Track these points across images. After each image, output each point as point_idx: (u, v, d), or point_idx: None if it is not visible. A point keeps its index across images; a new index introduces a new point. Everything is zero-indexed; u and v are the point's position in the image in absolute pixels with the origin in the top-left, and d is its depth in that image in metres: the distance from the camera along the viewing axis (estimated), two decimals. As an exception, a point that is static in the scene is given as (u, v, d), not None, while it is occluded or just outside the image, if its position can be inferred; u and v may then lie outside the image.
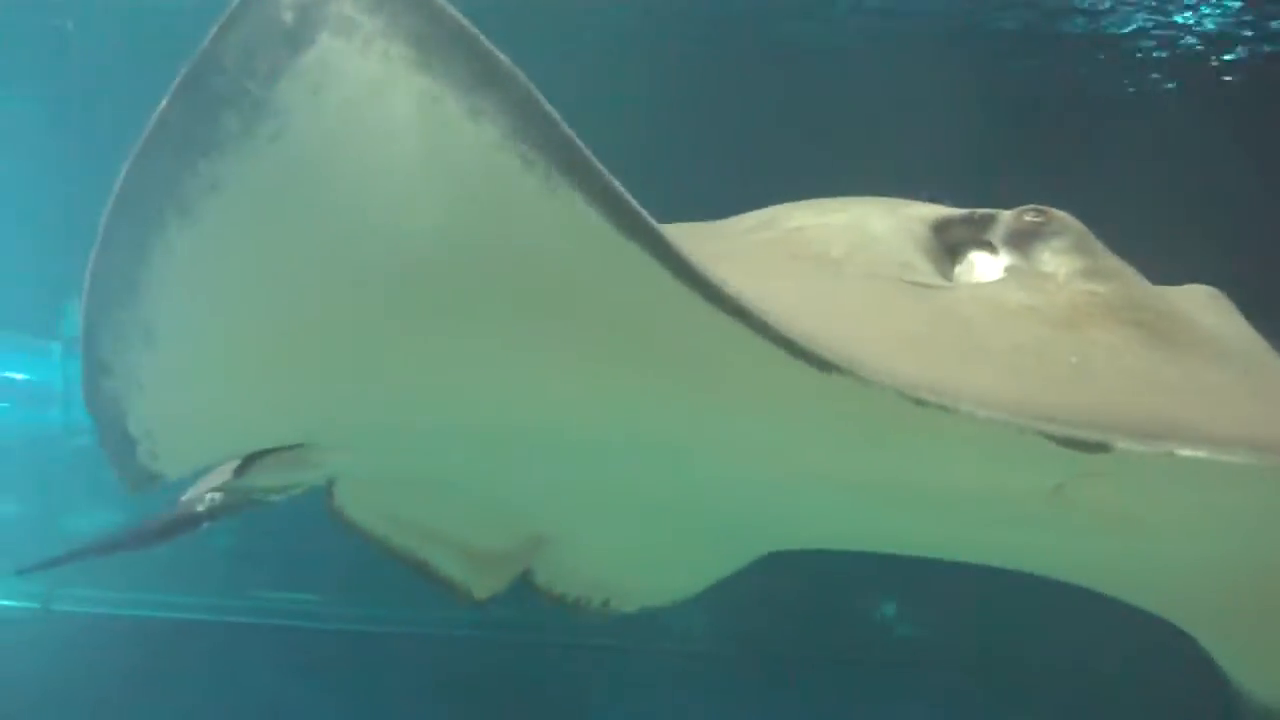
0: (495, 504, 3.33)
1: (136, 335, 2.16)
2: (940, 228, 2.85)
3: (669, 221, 3.13)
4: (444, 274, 2.10)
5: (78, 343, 2.21)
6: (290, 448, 2.79)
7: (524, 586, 3.76)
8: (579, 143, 1.88)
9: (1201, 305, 2.71)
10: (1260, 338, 2.69)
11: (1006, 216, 2.83)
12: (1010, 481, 2.44)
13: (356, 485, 3.27)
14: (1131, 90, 8.88)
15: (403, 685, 10.50)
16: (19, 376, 13.95)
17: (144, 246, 2.01)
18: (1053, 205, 2.84)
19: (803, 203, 3.02)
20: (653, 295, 2.06)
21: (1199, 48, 8.39)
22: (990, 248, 2.81)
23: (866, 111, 8.61)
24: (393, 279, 2.11)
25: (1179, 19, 8.12)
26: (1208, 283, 2.84)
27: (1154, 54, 8.52)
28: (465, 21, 1.80)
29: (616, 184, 1.94)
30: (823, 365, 2.13)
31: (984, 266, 2.79)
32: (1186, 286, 2.79)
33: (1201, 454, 2.15)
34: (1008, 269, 2.74)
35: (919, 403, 2.17)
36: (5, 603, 10.74)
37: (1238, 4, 7.90)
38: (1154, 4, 8.02)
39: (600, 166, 1.91)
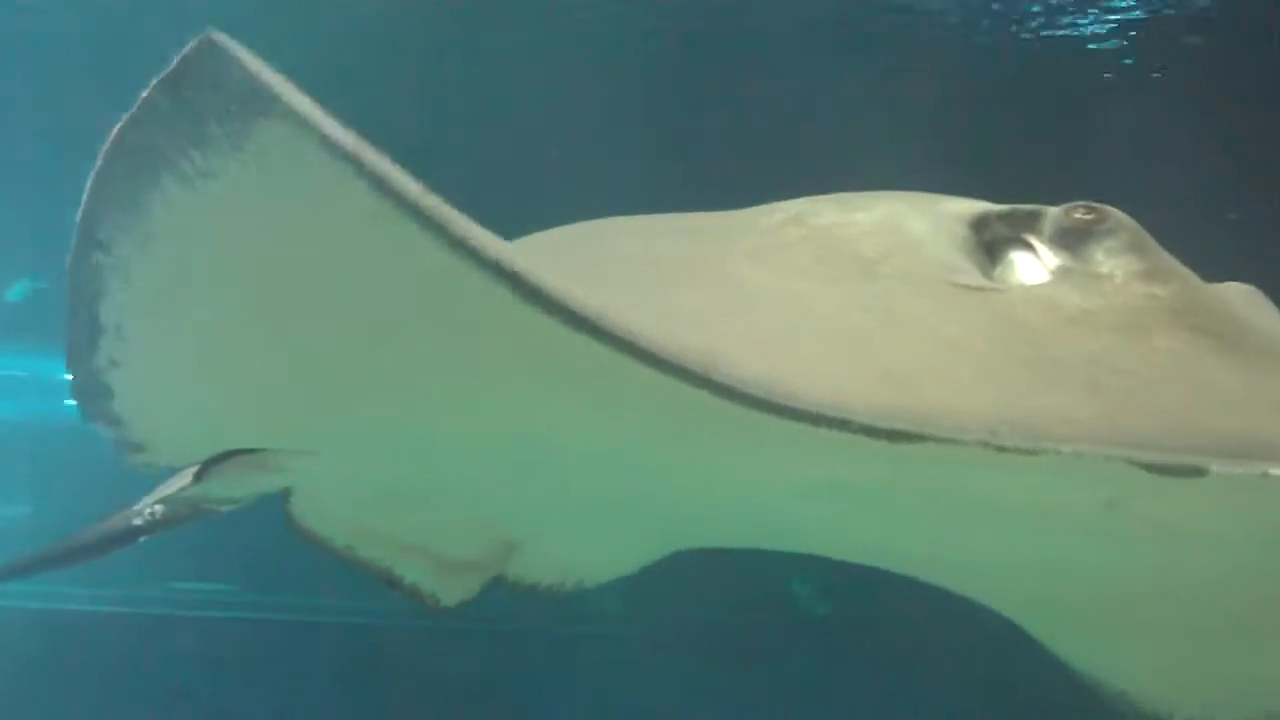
0: (464, 512, 3.23)
1: (110, 330, 2.28)
2: (978, 224, 2.69)
3: (687, 209, 3.05)
4: (311, 309, 2.25)
5: None
6: (253, 451, 2.74)
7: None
8: (406, 182, 1.91)
9: (1249, 306, 2.58)
10: None
11: (1054, 213, 2.65)
12: (1066, 502, 2.29)
13: (317, 495, 3.17)
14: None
15: (318, 674, 10.44)
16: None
17: (108, 267, 2.16)
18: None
19: (828, 197, 2.87)
20: (510, 325, 2.04)
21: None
22: (1032, 247, 2.63)
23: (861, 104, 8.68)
24: (283, 311, 2.26)
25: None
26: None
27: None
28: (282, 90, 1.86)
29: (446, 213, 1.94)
30: (872, 432, 2.03)
31: (1027, 267, 2.61)
32: (1226, 285, 2.65)
33: None
34: (1057, 270, 2.56)
35: (1001, 449, 2.06)
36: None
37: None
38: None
39: (441, 208, 1.93)
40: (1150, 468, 2.07)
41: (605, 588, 3.81)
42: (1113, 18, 8.19)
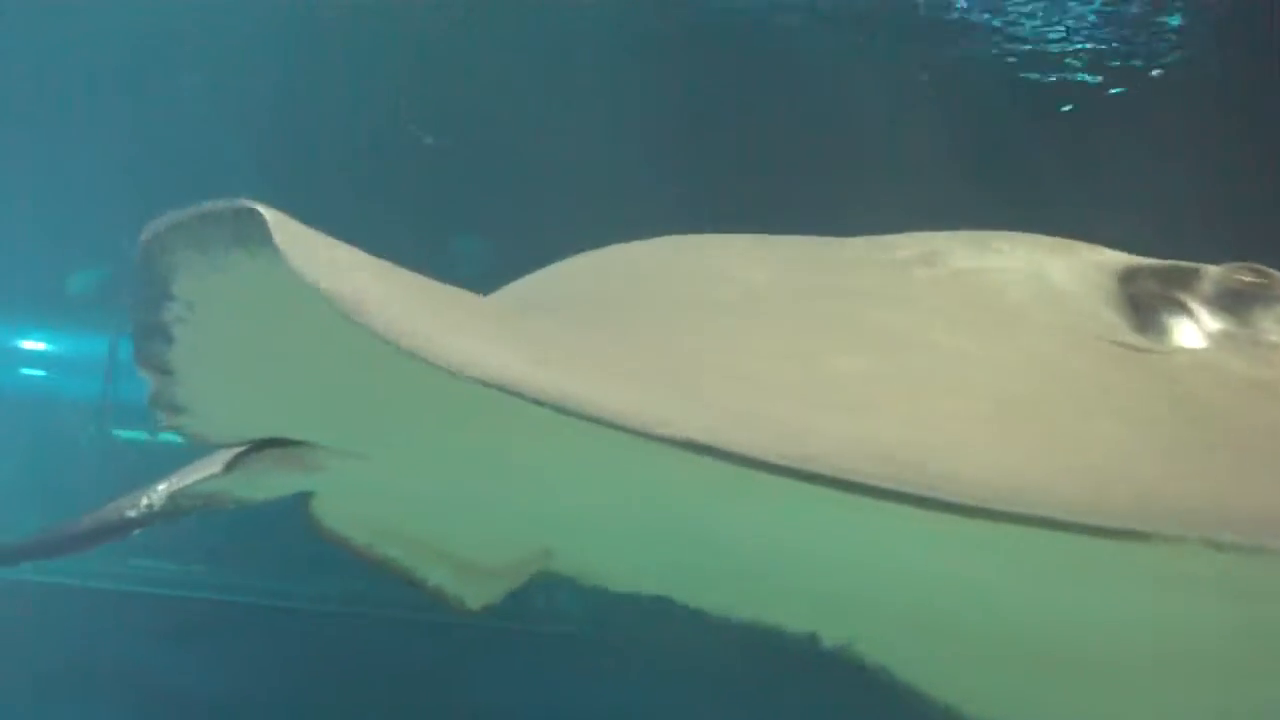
0: (501, 523, 3.04)
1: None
2: (1126, 277, 2.49)
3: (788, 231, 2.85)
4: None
5: None
6: (296, 445, 2.61)
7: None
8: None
9: None
10: None
11: (1214, 273, 2.47)
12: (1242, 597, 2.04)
13: (345, 495, 3.00)
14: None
15: (277, 658, 10.42)
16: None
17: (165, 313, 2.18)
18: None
19: (950, 235, 2.67)
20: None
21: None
22: (1186, 307, 2.44)
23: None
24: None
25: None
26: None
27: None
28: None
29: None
30: (1101, 533, 1.82)
31: (1182, 328, 2.40)
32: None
33: None
34: (1218, 334, 2.37)
35: (1221, 549, 1.84)
36: None
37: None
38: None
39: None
40: None
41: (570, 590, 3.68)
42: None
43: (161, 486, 2.84)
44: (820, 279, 2.60)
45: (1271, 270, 2.45)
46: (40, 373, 15.99)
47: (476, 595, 3.32)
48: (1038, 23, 8.50)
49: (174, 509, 2.83)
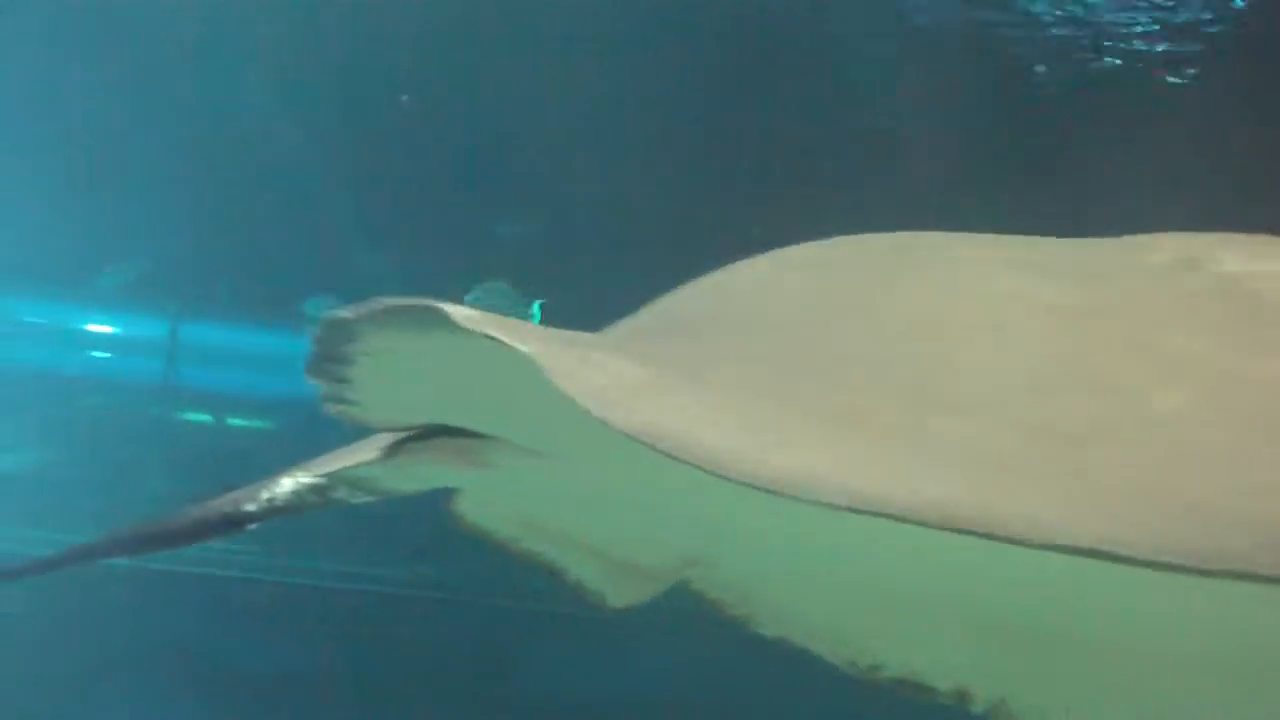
0: (654, 524, 2.81)
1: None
2: None
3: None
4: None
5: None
6: (467, 436, 2.42)
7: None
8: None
9: None
10: None
11: None
12: None
13: (500, 492, 2.78)
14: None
15: (322, 637, 10.54)
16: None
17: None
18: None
19: (1202, 237, 2.39)
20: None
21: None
22: None
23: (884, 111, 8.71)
24: None
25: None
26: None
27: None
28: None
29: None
30: None
31: None
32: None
33: None
34: None
35: None
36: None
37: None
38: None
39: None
40: None
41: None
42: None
43: (290, 476, 2.56)
44: (1085, 293, 2.26)
45: None
46: (105, 355, 16.26)
47: (620, 594, 3.15)
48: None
49: (297, 505, 2.54)
